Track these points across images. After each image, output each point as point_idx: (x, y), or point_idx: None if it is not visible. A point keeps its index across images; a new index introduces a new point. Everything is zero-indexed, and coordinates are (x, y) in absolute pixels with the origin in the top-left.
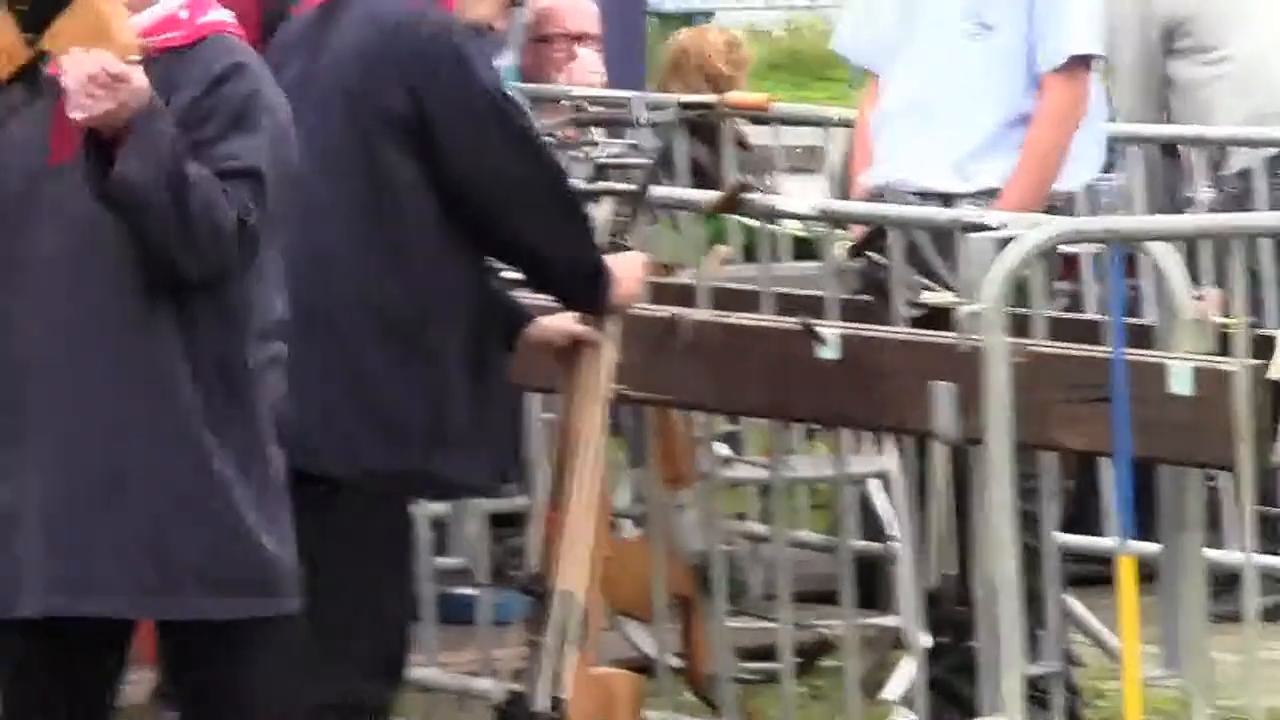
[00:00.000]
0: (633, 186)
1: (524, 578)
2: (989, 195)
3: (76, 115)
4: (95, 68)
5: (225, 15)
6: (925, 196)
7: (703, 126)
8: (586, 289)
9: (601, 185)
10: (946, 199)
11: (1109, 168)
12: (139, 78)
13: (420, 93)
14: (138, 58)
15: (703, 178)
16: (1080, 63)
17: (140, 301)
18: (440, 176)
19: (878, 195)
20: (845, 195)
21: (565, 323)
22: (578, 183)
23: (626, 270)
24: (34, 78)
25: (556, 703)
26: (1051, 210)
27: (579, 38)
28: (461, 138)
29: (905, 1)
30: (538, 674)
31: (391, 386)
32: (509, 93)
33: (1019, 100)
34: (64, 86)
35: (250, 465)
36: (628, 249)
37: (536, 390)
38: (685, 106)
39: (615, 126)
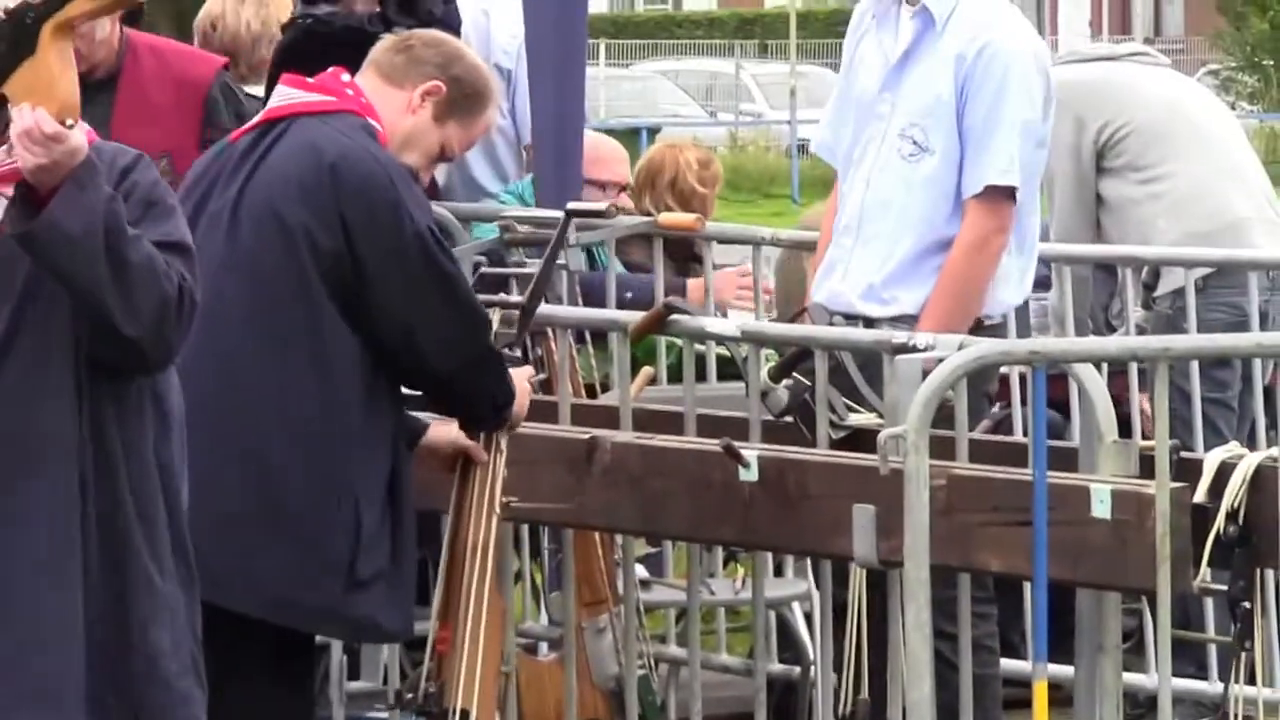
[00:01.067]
0: (520, 299)
1: (419, 699)
2: (907, 321)
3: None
4: (31, 123)
5: None
6: (850, 318)
7: (671, 241)
8: (490, 417)
9: (489, 298)
10: (868, 323)
11: (1042, 284)
12: (76, 138)
13: (353, 229)
14: (73, 121)
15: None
16: (1001, 193)
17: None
18: (365, 308)
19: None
20: (783, 313)
21: (453, 433)
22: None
23: (516, 385)
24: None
25: None
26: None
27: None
28: (387, 273)
29: (860, 112)
30: None
31: (313, 521)
32: (438, 235)
33: (942, 226)
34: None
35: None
36: (518, 361)
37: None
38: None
39: (544, 246)
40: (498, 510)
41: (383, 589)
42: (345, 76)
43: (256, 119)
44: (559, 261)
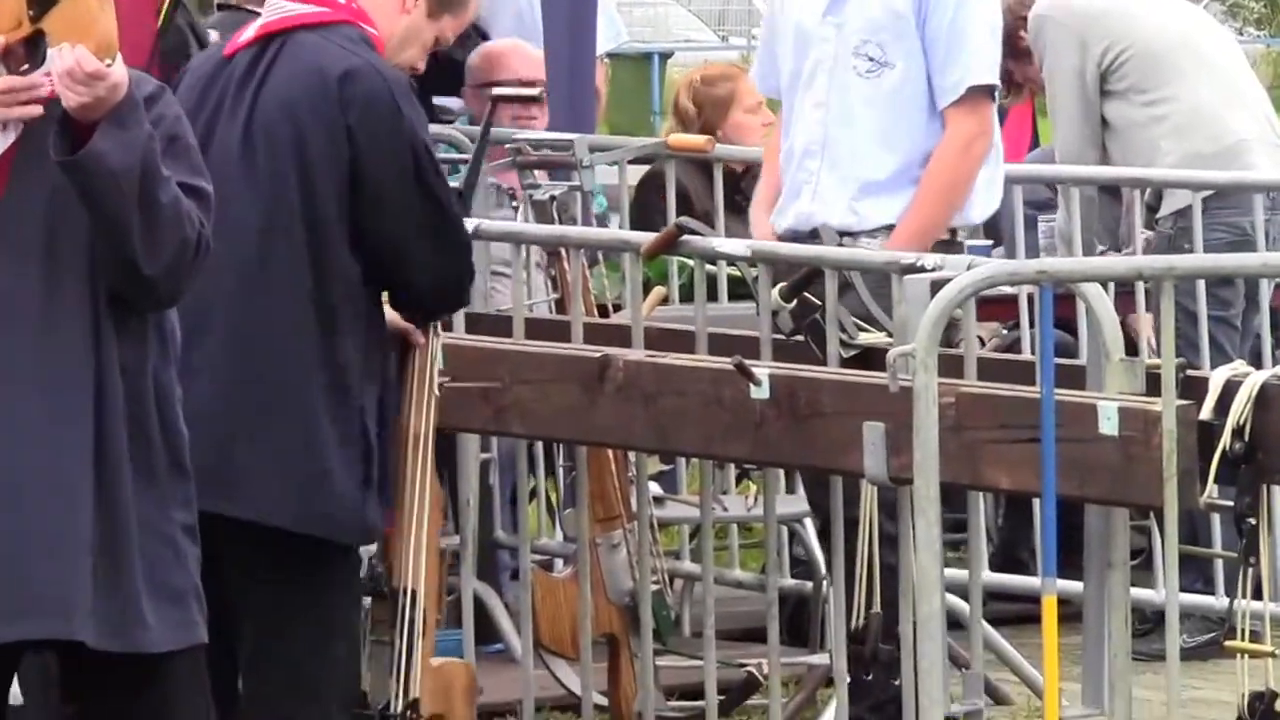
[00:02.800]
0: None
1: (368, 580)
2: (885, 231)
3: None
4: (72, 62)
5: None
6: (816, 234)
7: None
8: (442, 314)
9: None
10: (844, 236)
11: (1047, 207)
12: (116, 75)
13: (357, 138)
14: (111, 60)
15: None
16: (982, 93)
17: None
18: (362, 222)
19: (787, 237)
20: None
21: (393, 315)
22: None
23: None
24: (36, 49)
25: (411, 702)
26: (949, 245)
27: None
28: (384, 183)
29: (799, 40)
30: (386, 675)
31: (341, 441)
32: (432, 153)
33: (920, 138)
34: (52, 76)
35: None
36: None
37: (472, 431)
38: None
39: (559, 169)
40: (436, 393)
41: (376, 490)
42: None
43: (251, 33)
44: (573, 183)
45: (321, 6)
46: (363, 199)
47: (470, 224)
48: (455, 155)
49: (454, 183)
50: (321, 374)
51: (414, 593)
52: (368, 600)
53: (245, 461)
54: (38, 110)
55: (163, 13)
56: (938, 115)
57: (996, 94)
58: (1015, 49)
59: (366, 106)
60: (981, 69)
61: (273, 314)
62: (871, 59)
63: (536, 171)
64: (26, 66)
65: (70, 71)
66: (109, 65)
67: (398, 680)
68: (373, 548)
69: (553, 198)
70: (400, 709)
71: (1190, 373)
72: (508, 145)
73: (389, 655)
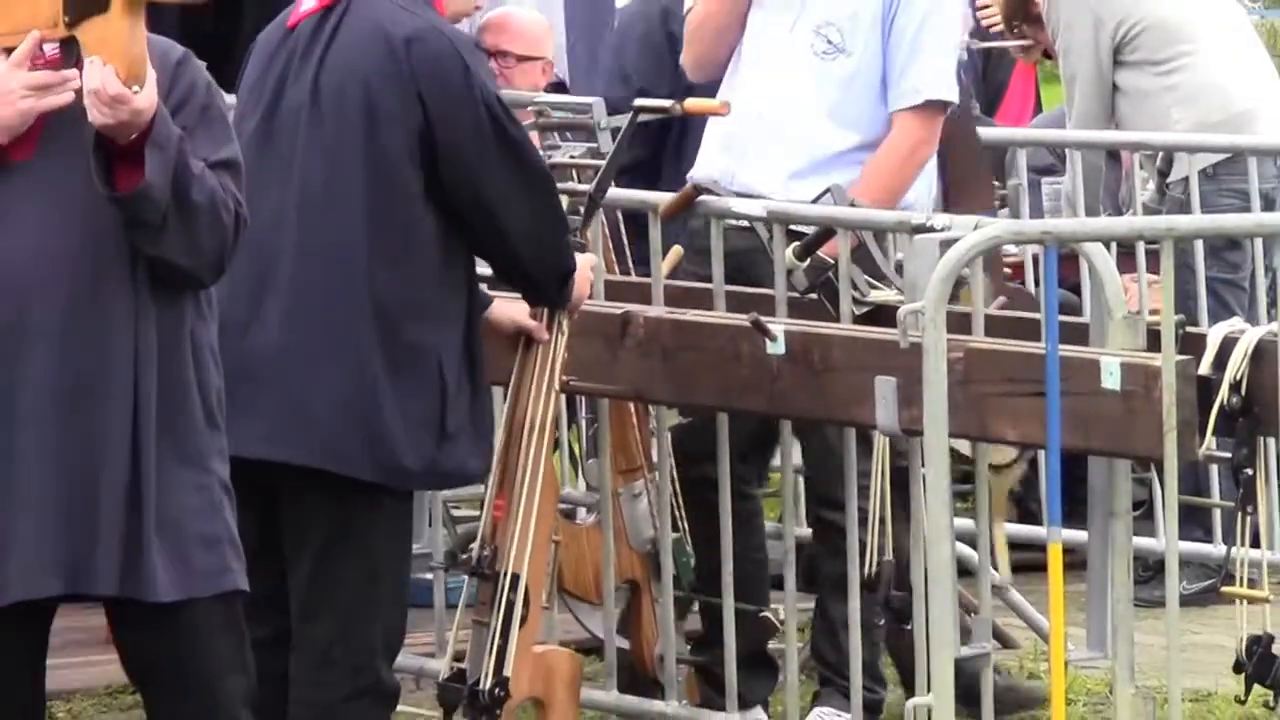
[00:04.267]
0: (587, 187)
1: (473, 561)
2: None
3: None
4: (99, 83)
5: None
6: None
7: None
8: (554, 290)
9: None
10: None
11: (1049, 172)
12: (140, 103)
13: (430, 104)
14: (139, 87)
15: None
16: (937, 107)
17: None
18: (439, 180)
19: (707, 188)
20: None
21: (517, 313)
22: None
23: (579, 270)
24: (70, 50)
25: (501, 681)
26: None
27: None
28: (461, 143)
29: (756, 16)
30: (482, 652)
31: (401, 387)
32: (505, 104)
33: (866, 125)
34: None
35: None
36: (582, 247)
37: (498, 384)
38: (642, 110)
39: (578, 131)
40: (556, 388)
41: (467, 439)
42: None
43: (312, 3)
44: (591, 144)
45: None
46: (443, 162)
47: None
48: None
49: None
50: (377, 323)
51: (516, 576)
52: (474, 580)
53: (304, 407)
54: (69, 98)
55: None
56: (884, 107)
57: (950, 110)
58: (1028, 14)
59: (435, 70)
60: (942, 84)
61: (331, 264)
62: (830, 41)
63: (557, 133)
64: (59, 62)
65: (96, 91)
66: (136, 91)
67: (489, 658)
68: (481, 530)
69: (572, 158)
70: (489, 686)
71: (1189, 329)
72: (529, 108)
73: (487, 636)
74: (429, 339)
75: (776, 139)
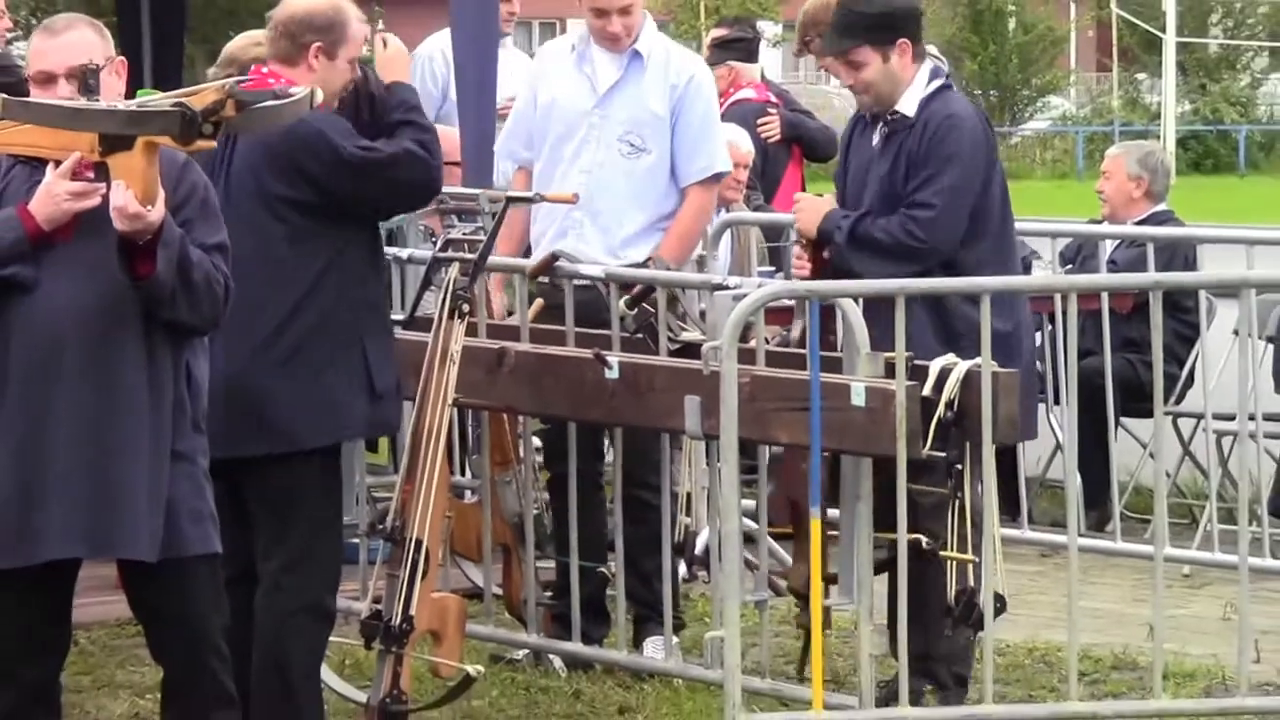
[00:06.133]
0: (471, 256)
1: (387, 530)
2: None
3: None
4: (123, 202)
5: None
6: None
7: None
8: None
9: (450, 255)
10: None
11: None
12: (152, 218)
13: (307, 173)
14: (152, 206)
15: None
16: (718, 178)
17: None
18: (332, 207)
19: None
20: None
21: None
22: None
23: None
24: (102, 172)
25: (407, 618)
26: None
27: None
28: (341, 183)
29: (566, 121)
30: (394, 597)
31: (341, 369)
32: (353, 144)
33: (663, 204)
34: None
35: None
36: (469, 302)
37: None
38: (512, 200)
39: (468, 214)
40: (449, 402)
41: (391, 396)
42: (265, 67)
43: None
44: (478, 224)
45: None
46: (331, 197)
47: (404, 253)
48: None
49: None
50: (329, 325)
51: (419, 541)
52: (388, 545)
53: (272, 407)
54: (96, 202)
55: None
56: (674, 186)
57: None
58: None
59: (302, 148)
60: (722, 159)
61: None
62: (632, 145)
63: (452, 215)
64: (93, 177)
65: (120, 208)
66: (149, 209)
67: (399, 602)
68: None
69: (463, 234)
70: (398, 622)
71: (917, 363)
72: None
73: (397, 585)
74: (357, 328)
75: (596, 223)
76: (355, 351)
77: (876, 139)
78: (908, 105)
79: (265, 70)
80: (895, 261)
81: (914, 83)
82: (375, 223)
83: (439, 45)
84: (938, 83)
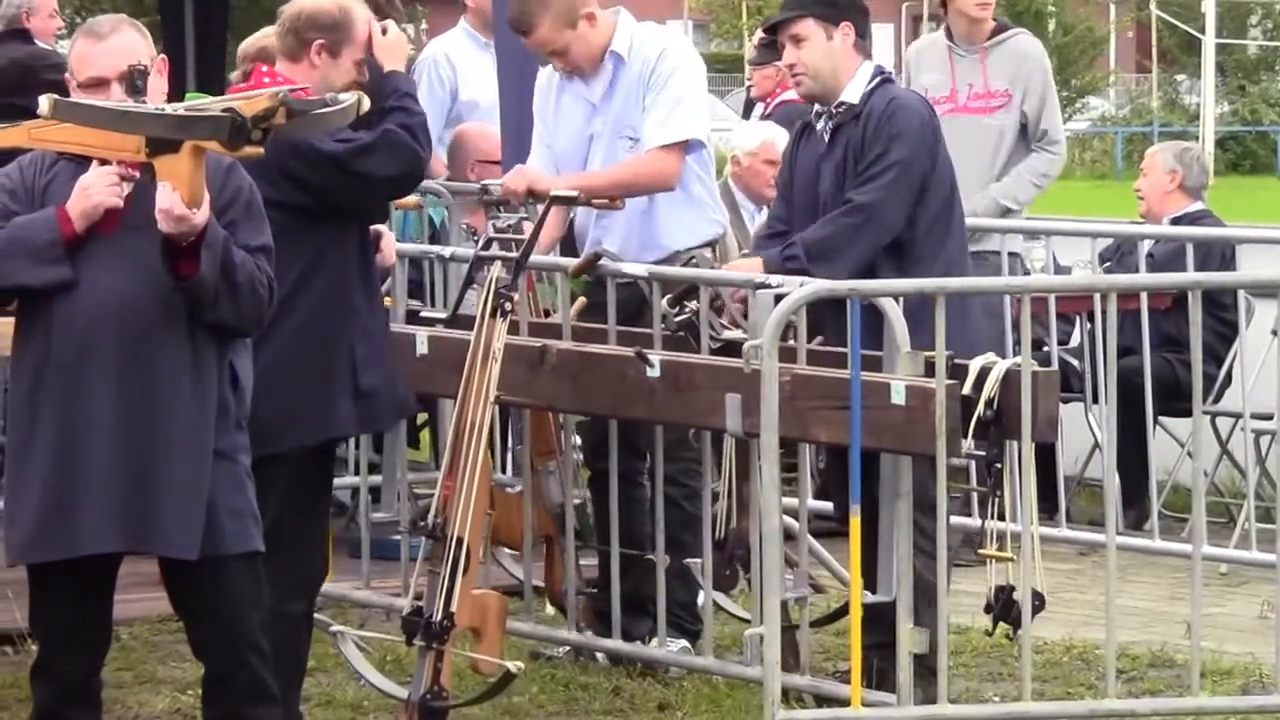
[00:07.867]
0: (514, 255)
1: (429, 527)
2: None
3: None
4: (169, 204)
5: None
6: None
7: None
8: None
9: (492, 253)
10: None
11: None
12: (197, 220)
13: (289, 172)
14: (197, 209)
15: None
16: (684, 146)
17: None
18: (315, 204)
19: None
20: None
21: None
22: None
23: None
24: (147, 170)
25: (448, 615)
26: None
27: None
28: (326, 181)
29: (576, 133)
30: (435, 594)
31: (327, 369)
32: (331, 139)
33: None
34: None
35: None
36: (511, 300)
37: (448, 397)
38: (556, 200)
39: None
40: (492, 400)
41: (382, 392)
42: (265, 67)
43: None
44: (523, 216)
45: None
46: (322, 197)
47: (446, 251)
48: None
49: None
50: (314, 328)
51: (460, 539)
52: (429, 541)
53: (274, 410)
54: (119, 201)
55: None
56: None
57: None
58: None
59: (286, 156)
60: (689, 128)
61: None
62: (630, 138)
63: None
64: (139, 177)
65: (166, 210)
66: (194, 212)
67: (440, 599)
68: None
69: (509, 225)
70: (439, 619)
71: (957, 361)
72: (478, 189)
73: (439, 582)
74: (345, 330)
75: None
76: (339, 353)
77: (825, 133)
78: (851, 95)
79: (265, 70)
80: (854, 243)
81: (857, 75)
82: (362, 224)
83: (442, 49)
84: (880, 78)
